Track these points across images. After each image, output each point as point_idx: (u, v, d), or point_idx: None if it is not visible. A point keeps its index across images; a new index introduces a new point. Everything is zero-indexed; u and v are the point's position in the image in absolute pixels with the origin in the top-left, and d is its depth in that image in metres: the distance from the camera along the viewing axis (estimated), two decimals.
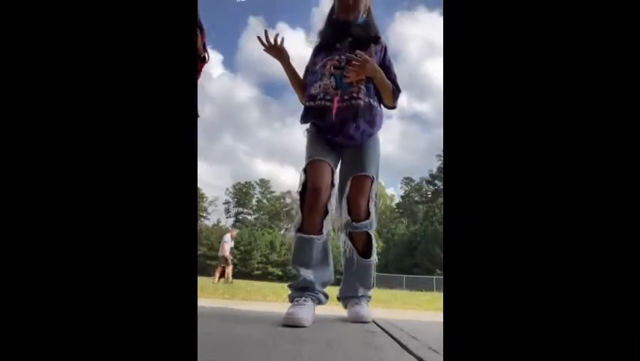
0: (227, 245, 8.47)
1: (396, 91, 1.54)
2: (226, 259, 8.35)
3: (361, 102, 1.46)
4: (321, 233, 1.44)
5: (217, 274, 8.18)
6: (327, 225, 1.45)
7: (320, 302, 1.45)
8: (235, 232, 9.77)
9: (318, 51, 1.60)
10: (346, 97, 1.45)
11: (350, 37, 1.52)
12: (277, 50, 1.61)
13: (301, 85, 1.65)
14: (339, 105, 1.44)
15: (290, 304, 1.36)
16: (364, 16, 1.57)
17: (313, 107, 1.50)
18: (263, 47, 1.60)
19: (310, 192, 1.42)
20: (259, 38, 1.59)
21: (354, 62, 1.41)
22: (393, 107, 1.58)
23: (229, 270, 8.34)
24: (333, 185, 1.47)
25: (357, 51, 1.44)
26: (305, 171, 1.47)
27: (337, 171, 1.57)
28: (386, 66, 1.55)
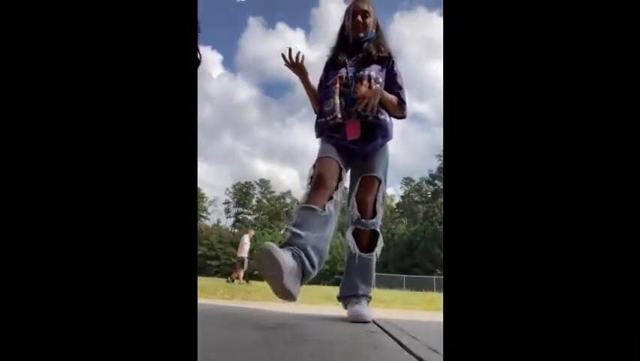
0: (247, 246, 8.49)
1: (401, 103, 1.62)
2: (243, 261, 8.37)
3: (370, 119, 1.55)
4: (324, 209, 1.38)
5: (240, 275, 8.22)
6: (331, 207, 1.41)
7: (304, 265, 1.24)
8: (252, 232, 9.78)
9: (330, 66, 1.69)
10: (355, 115, 1.54)
11: (360, 54, 1.64)
12: (298, 68, 1.69)
13: (317, 99, 1.72)
14: (353, 124, 1.54)
15: None
16: (373, 30, 1.68)
17: (323, 122, 1.60)
18: (284, 63, 1.67)
19: (315, 177, 1.47)
20: (283, 55, 1.66)
21: (362, 99, 1.50)
22: (403, 117, 1.66)
23: (242, 272, 8.37)
24: (340, 179, 1.50)
25: (361, 91, 1.52)
26: (314, 166, 1.54)
27: (347, 174, 1.64)
28: (391, 79, 1.64)
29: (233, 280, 7.93)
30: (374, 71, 1.60)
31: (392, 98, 1.59)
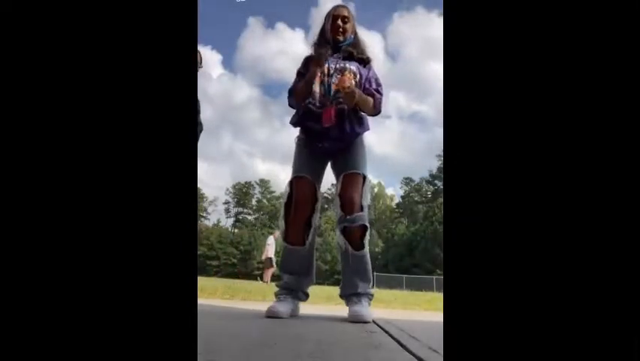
0: (272, 248, 8.62)
1: (378, 100, 1.69)
2: (271, 260, 8.48)
3: (346, 107, 1.62)
4: (304, 245, 1.64)
5: (268, 275, 8.34)
6: (310, 237, 1.65)
7: (300, 299, 1.68)
8: (277, 233, 9.92)
9: (310, 59, 1.75)
10: (334, 102, 1.62)
11: (340, 53, 1.73)
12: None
13: (305, 94, 1.70)
14: (327, 111, 1.60)
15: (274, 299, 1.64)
16: (352, 36, 1.77)
17: (303, 106, 1.66)
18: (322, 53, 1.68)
19: (293, 205, 1.63)
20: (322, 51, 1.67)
21: (345, 92, 1.56)
22: (377, 114, 1.74)
23: (270, 271, 8.49)
24: (316, 199, 1.65)
25: (346, 83, 1.58)
26: (290, 184, 1.66)
27: (331, 178, 1.75)
28: (368, 78, 1.72)
29: (266, 281, 8.07)
30: (354, 66, 1.69)
31: (368, 98, 1.66)
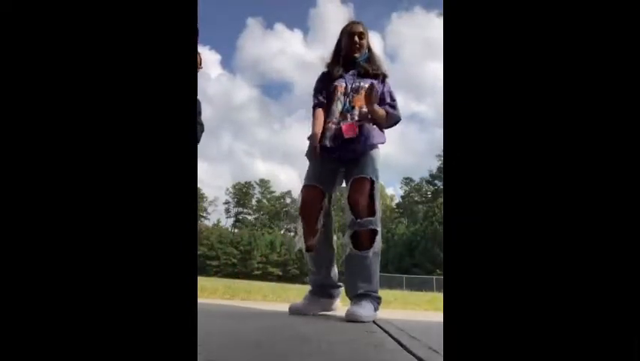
0: None
1: (392, 114, 1.77)
2: None
3: (360, 122, 1.70)
4: (313, 250, 1.72)
5: None
6: (318, 242, 1.72)
7: (331, 296, 1.83)
8: None
9: (326, 77, 1.85)
10: (350, 119, 1.71)
11: (356, 69, 1.81)
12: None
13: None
14: (348, 125, 1.69)
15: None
16: (367, 52, 1.85)
17: (323, 129, 1.75)
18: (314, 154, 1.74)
19: (301, 212, 1.74)
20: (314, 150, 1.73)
21: (366, 94, 1.65)
22: (390, 127, 1.83)
23: None
24: (322, 208, 1.72)
25: (370, 85, 1.66)
26: (302, 192, 1.75)
27: (339, 188, 1.85)
28: (384, 92, 1.79)
29: None
30: (369, 84, 1.73)
31: (381, 110, 1.73)
